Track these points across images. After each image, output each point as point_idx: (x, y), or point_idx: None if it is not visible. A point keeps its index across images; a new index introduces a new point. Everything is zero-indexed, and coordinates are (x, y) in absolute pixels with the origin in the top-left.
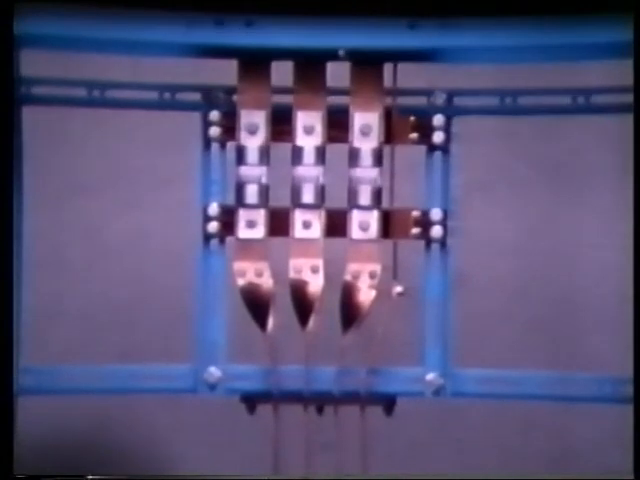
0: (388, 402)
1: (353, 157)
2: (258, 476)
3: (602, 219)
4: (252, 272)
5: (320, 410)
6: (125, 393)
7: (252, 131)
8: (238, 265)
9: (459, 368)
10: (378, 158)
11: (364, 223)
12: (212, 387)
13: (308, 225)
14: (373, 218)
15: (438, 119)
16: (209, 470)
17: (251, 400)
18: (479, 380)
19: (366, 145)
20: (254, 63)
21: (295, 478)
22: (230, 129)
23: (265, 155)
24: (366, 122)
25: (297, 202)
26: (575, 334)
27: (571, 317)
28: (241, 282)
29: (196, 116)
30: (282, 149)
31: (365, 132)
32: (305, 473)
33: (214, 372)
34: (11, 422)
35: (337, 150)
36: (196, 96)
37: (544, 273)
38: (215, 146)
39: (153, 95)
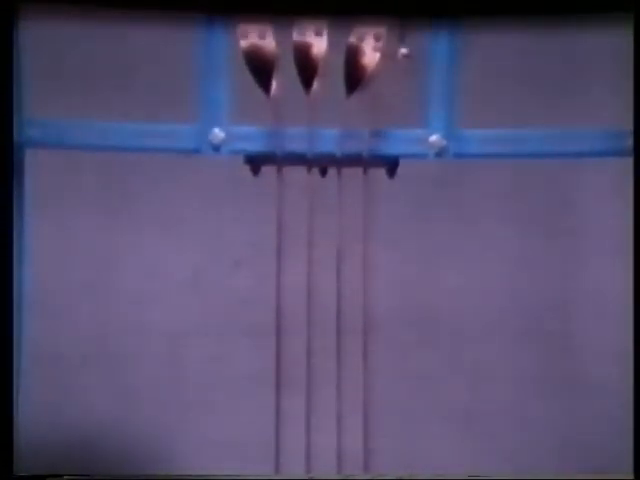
0: (391, 164)
1: None
2: (258, 476)
3: None
4: (255, 34)
5: (323, 172)
6: (130, 151)
7: None
8: (241, 26)
9: (463, 129)
10: None
11: None
12: (216, 148)
13: None
14: None
15: None
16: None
17: (255, 161)
18: (482, 140)
19: None
20: None
21: (296, 478)
22: None
23: None
24: None
25: None
26: (577, 89)
27: (573, 73)
28: (244, 44)
29: None
30: None
31: None
32: (306, 473)
33: (218, 133)
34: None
35: None
36: None
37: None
38: None
39: None
